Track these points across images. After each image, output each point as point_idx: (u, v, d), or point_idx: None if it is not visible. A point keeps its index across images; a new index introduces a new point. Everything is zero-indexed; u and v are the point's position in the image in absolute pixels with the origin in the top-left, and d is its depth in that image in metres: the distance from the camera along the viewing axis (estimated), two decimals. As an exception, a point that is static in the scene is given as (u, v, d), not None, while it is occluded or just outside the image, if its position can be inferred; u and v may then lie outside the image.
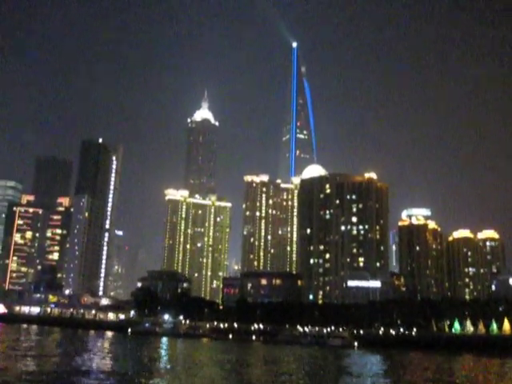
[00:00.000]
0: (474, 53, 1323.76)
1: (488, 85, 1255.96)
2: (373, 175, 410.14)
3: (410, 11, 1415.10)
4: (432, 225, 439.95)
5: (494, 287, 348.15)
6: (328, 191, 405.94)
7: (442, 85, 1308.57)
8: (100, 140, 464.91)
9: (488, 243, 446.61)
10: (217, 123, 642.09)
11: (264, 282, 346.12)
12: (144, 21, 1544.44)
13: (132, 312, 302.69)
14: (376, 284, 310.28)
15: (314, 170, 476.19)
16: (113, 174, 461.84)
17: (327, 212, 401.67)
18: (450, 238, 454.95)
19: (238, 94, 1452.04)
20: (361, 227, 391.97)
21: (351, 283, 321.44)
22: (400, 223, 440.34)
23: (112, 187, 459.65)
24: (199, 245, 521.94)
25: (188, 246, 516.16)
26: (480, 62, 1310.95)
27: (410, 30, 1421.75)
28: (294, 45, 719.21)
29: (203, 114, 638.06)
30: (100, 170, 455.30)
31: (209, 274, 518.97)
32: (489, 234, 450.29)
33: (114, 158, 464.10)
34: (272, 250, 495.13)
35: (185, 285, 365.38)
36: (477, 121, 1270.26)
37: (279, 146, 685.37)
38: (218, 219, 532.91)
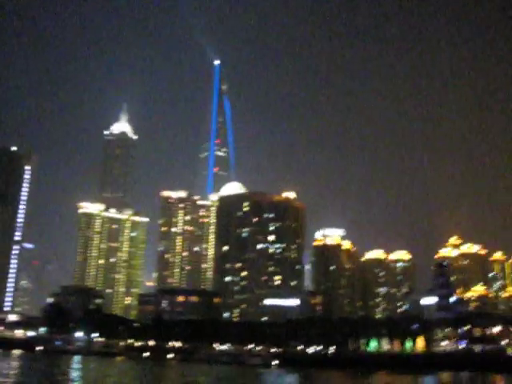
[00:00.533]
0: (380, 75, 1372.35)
1: (406, 100, 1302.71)
2: (291, 195, 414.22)
3: (334, 25, 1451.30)
4: (346, 245, 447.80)
5: (407, 307, 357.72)
6: (246, 209, 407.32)
7: (358, 109, 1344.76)
8: (13, 148, 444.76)
9: (399, 264, 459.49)
10: (135, 137, 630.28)
11: (180, 298, 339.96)
12: (63, 24, 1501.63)
13: (42, 329, 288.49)
14: (293, 302, 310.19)
15: (233, 188, 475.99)
16: (25, 184, 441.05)
17: (244, 230, 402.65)
18: (363, 258, 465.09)
19: (159, 108, 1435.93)
20: (278, 246, 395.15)
21: (267, 301, 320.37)
22: (315, 243, 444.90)
23: (24, 197, 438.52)
24: (113, 260, 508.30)
25: (101, 261, 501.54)
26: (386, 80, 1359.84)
27: (332, 44, 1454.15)
28: (216, 62, 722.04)
29: (121, 126, 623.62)
30: (11, 179, 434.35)
31: (122, 290, 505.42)
32: (400, 254, 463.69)
33: (27, 167, 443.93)
34: (187, 267, 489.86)
35: (98, 301, 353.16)
36: (388, 146, 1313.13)
37: (197, 163, 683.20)
38: (134, 234, 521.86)
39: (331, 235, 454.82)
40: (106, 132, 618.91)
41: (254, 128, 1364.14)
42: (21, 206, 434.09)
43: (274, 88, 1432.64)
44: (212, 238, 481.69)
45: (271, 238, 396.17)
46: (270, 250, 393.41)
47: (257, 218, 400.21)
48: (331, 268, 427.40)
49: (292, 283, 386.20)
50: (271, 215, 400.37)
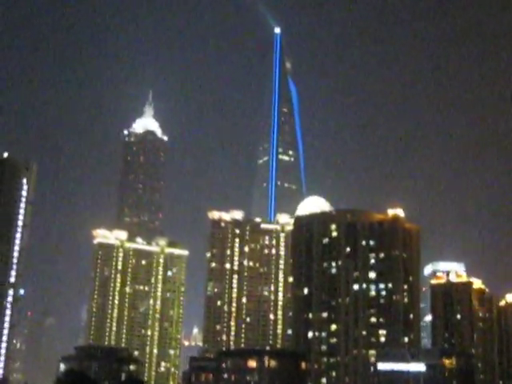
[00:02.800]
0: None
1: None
2: (399, 212, 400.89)
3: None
4: (478, 284, 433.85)
5: None
6: (334, 234, 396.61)
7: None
8: (5, 154, 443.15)
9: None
10: (165, 137, 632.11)
11: (252, 363, 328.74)
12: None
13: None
14: (417, 367, 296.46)
15: (314, 204, 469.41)
16: (22, 204, 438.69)
17: (333, 264, 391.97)
18: (502, 303, 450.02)
19: (197, 97, 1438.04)
20: (382, 286, 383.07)
21: (383, 366, 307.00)
22: (433, 281, 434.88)
23: (20, 222, 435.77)
24: (142, 310, 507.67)
25: (125, 312, 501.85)
26: None
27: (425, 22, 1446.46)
28: (277, 31, 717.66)
29: (146, 123, 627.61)
30: (2, 197, 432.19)
31: (154, 351, 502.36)
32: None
33: (24, 180, 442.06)
34: (248, 319, 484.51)
35: (131, 367, 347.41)
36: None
37: (253, 172, 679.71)
38: (170, 273, 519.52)
39: (447, 270, 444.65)
40: (125, 132, 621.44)
41: (329, 121, 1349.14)
42: (17, 235, 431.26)
43: (353, 66, 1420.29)
44: (282, 276, 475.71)
45: (372, 274, 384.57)
46: (371, 293, 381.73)
47: (350, 247, 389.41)
48: (458, 317, 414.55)
49: (404, 339, 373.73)
50: (371, 242, 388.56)
